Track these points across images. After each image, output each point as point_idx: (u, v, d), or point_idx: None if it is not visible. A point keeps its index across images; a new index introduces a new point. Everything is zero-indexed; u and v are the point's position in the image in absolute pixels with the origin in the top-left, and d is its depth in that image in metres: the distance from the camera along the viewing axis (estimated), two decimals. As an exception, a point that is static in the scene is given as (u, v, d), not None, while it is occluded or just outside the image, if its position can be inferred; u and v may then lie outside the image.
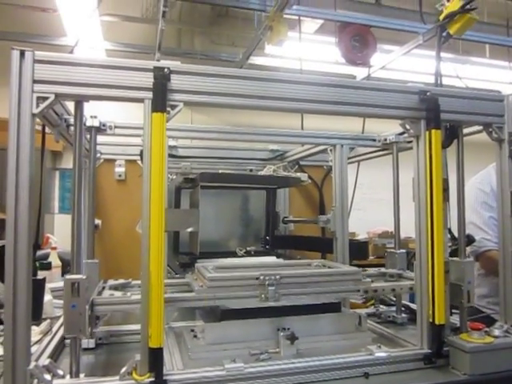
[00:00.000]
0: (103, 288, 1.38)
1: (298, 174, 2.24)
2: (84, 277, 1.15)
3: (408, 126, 1.41)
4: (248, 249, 2.25)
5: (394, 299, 1.94)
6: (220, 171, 2.26)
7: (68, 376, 1.16)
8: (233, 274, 1.41)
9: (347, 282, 1.46)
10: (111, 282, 1.37)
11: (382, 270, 1.70)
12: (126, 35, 5.01)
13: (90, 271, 1.18)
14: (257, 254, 2.22)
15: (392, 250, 1.84)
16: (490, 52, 5.34)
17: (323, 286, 1.43)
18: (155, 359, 1.11)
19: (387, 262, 1.85)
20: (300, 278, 1.41)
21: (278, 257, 2.13)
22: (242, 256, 2.15)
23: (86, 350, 1.49)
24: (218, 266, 1.49)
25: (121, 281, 1.36)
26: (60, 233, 4.54)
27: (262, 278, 1.34)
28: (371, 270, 1.80)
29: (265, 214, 2.42)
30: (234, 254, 2.18)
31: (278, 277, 1.35)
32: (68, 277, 1.15)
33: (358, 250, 1.97)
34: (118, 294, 1.30)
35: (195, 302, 1.36)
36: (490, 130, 1.48)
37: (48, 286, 2.00)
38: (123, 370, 1.11)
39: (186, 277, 1.50)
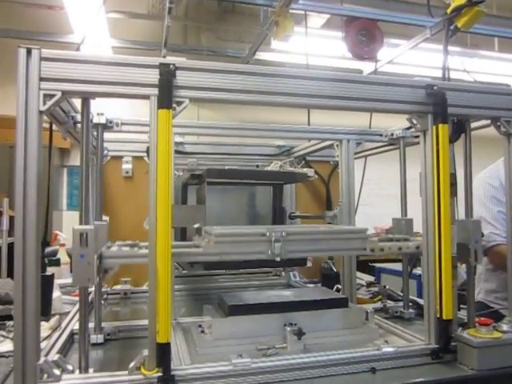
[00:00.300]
0: (111, 246, 1.38)
1: (305, 170, 2.20)
2: (92, 227, 1.17)
3: (415, 121, 1.41)
4: None
5: (402, 294, 1.93)
6: (227, 167, 2.25)
7: (77, 371, 1.17)
8: (239, 231, 1.40)
9: (354, 241, 1.44)
10: (119, 242, 1.38)
11: (389, 235, 1.68)
12: (133, 32, 5.03)
13: (99, 231, 1.20)
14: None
15: (398, 217, 1.82)
16: (499, 45, 5.29)
17: (330, 243, 1.42)
18: (163, 354, 1.12)
19: (393, 229, 1.82)
20: (307, 235, 1.41)
21: None
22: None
23: (94, 345, 1.50)
24: (225, 228, 1.47)
25: (128, 242, 1.36)
26: (68, 229, 4.57)
27: (268, 234, 1.33)
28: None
29: (271, 209, 2.42)
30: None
31: (284, 233, 1.34)
32: (76, 227, 1.16)
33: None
34: (126, 248, 1.31)
35: (201, 256, 1.34)
36: (498, 124, 1.46)
37: (57, 282, 2.02)
38: (131, 364, 1.12)
39: (193, 239, 1.49)
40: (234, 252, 1.33)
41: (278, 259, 1.33)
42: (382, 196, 5.95)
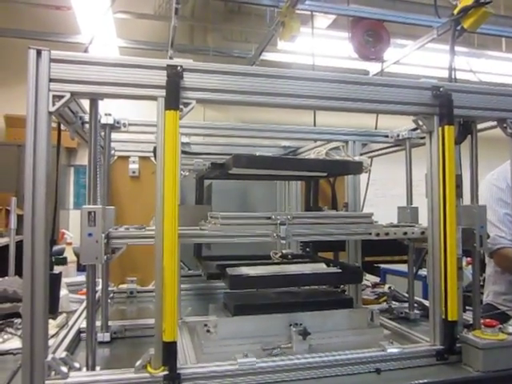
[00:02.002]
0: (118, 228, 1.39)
1: (357, 158, 1.81)
2: (100, 207, 1.19)
3: (421, 122, 1.41)
4: (284, 252, 1.84)
5: (407, 295, 1.93)
6: (258, 153, 1.99)
7: (84, 368, 1.18)
8: (245, 214, 1.40)
9: (359, 225, 1.46)
10: (125, 226, 1.40)
11: (394, 223, 1.67)
12: (139, 32, 5.05)
13: (107, 213, 1.22)
14: (295, 258, 1.86)
15: (404, 206, 1.82)
16: (507, 45, 5.26)
17: (335, 227, 1.43)
18: (169, 353, 1.13)
19: (398, 217, 1.82)
20: (312, 219, 1.42)
21: (328, 264, 1.72)
22: (278, 263, 1.69)
23: (101, 343, 1.51)
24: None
25: (135, 225, 1.38)
26: (75, 228, 4.60)
27: (273, 217, 1.35)
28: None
29: (304, 209, 2.27)
30: (268, 259, 1.73)
31: (289, 217, 1.36)
32: (85, 207, 1.18)
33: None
34: (133, 229, 1.33)
35: (207, 238, 1.37)
36: (505, 125, 1.46)
37: (64, 280, 2.04)
38: (138, 363, 1.13)
39: (199, 224, 1.50)
40: (240, 234, 1.34)
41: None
42: (387, 197, 5.95)
